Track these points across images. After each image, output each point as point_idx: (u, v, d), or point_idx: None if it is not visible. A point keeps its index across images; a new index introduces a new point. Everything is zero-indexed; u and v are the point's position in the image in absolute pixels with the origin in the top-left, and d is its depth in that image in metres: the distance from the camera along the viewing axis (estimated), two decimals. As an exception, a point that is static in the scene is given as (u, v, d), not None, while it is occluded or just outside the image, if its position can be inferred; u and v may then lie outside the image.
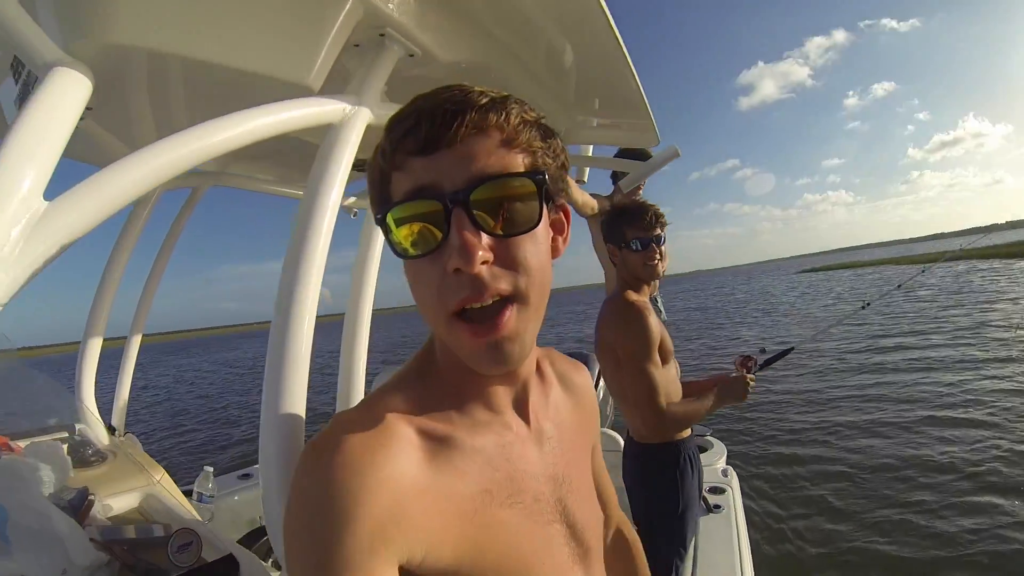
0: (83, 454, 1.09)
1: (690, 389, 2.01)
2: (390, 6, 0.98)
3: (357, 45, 1.06)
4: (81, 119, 0.97)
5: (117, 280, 1.54)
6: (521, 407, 0.61)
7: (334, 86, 0.96)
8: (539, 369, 0.67)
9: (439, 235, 0.48)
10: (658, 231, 1.75)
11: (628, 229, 1.75)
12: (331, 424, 0.50)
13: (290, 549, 0.45)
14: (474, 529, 0.50)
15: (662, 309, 2.12)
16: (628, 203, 1.91)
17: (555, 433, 0.64)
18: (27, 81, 0.68)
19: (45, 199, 0.58)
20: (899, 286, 3.22)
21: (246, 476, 2.61)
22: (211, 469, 1.65)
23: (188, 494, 1.56)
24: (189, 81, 0.95)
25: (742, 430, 6.10)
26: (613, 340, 1.75)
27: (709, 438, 3.08)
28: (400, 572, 0.46)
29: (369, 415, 0.50)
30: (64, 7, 0.72)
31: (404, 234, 0.50)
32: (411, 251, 0.50)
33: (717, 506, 2.30)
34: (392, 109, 0.89)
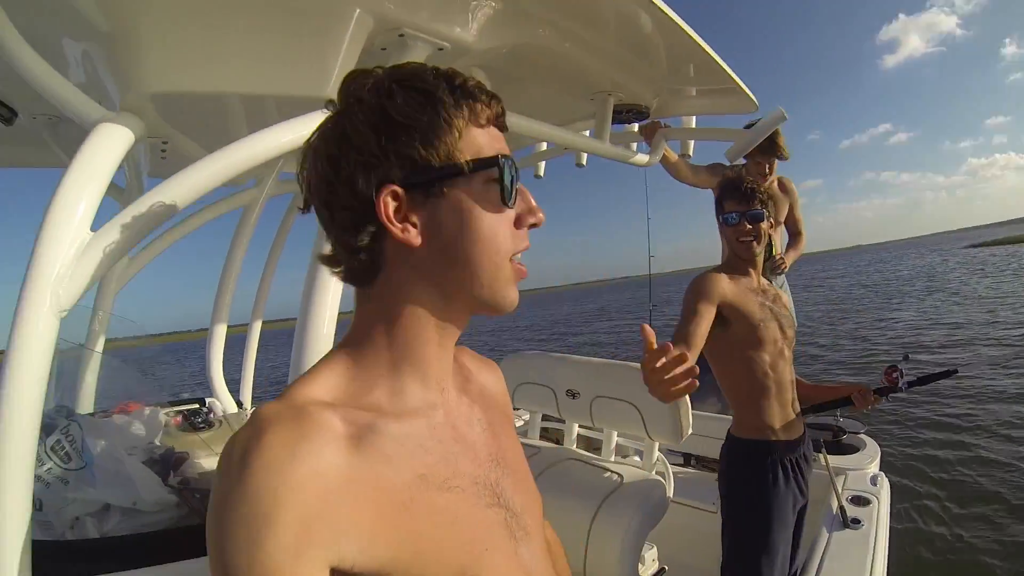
0: (193, 421, 1.38)
1: (812, 392, 1.89)
2: (398, 9, 1.04)
3: (384, 48, 1.14)
4: (163, 151, 1.20)
5: (235, 275, 1.86)
6: (448, 390, 0.63)
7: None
8: (456, 360, 0.69)
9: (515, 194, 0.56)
10: (755, 205, 1.67)
11: (726, 201, 1.71)
12: (250, 419, 0.49)
13: (211, 556, 0.44)
14: (410, 518, 0.50)
15: (783, 294, 1.95)
16: (732, 175, 1.82)
17: (484, 416, 0.66)
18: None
19: (91, 230, 0.76)
20: None
21: None
22: None
23: None
24: (216, 106, 1.11)
25: (902, 430, 5.24)
26: None
27: (862, 436, 2.68)
28: (332, 574, 0.45)
29: (289, 406, 0.50)
30: (106, 70, 0.91)
31: (509, 184, 0.56)
32: (508, 201, 0.56)
33: (856, 520, 1.99)
34: None
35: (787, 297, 1.94)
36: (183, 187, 0.82)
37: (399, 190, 0.52)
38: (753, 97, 1.73)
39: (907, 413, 5.59)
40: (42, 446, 0.83)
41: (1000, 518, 3.50)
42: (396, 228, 0.53)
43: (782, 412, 1.70)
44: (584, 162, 2.52)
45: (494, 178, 0.55)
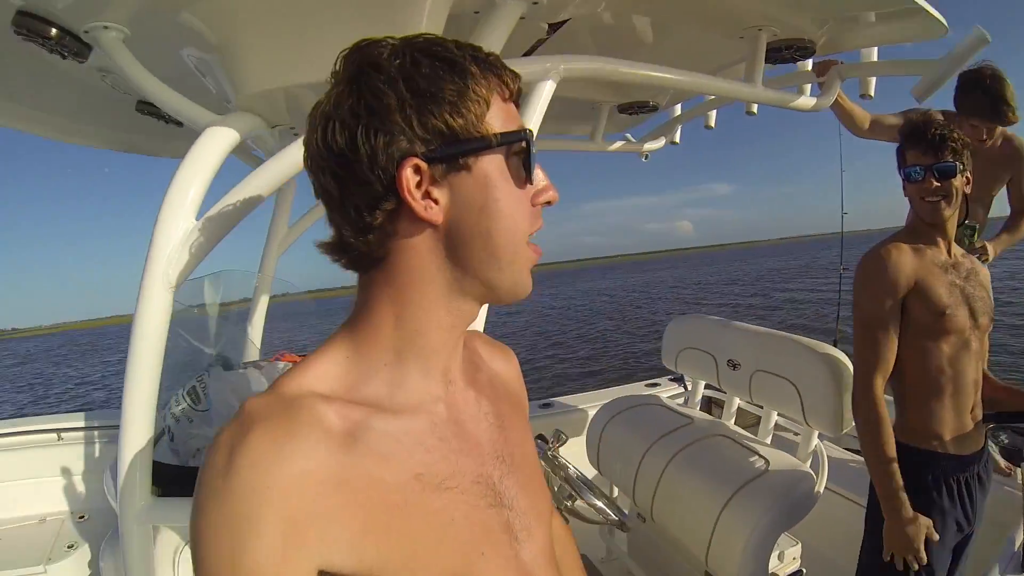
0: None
1: (1003, 395, 1.59)
2: None
3: (477, 12, 1.10)
4: (296, 135, 1.36)
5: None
6: (455, 382, 0.60)
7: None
8: (466, 347, 0.65)
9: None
10: (946, 157, 1.40)
11: (908, 152, 1.48)
12: (238, 413, 0.48)
13: (195, 555, 0.44)
14: (404, 521, 0.49)
15: (982, 268, 1.54)
16: (917, 117, 1.56)
17: (492, 409, 0.64)
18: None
19: (196, 219, 0.92)
20: None
21: None
22: None
23: None
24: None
25: None
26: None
27: None
28: None
29: (279, 399, 0.49)
30: (222, 76, 1.06)
31: (532, 160, 0.54)
32: (531, 177, 0.55)
33: None
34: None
35: (986, 272, 1.54)
36: (267, 175, 0.93)
37: (422, 164, 0.49)
38: (940, 17, 1.36)
39: None
40: (183, 389, 1.06)
41: None
42: (419, 204, 0.50)
43: (957, 419, 1.45)
44: (754, 110, 2.21)
45: (517, 152, 0.53)
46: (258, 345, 1.57)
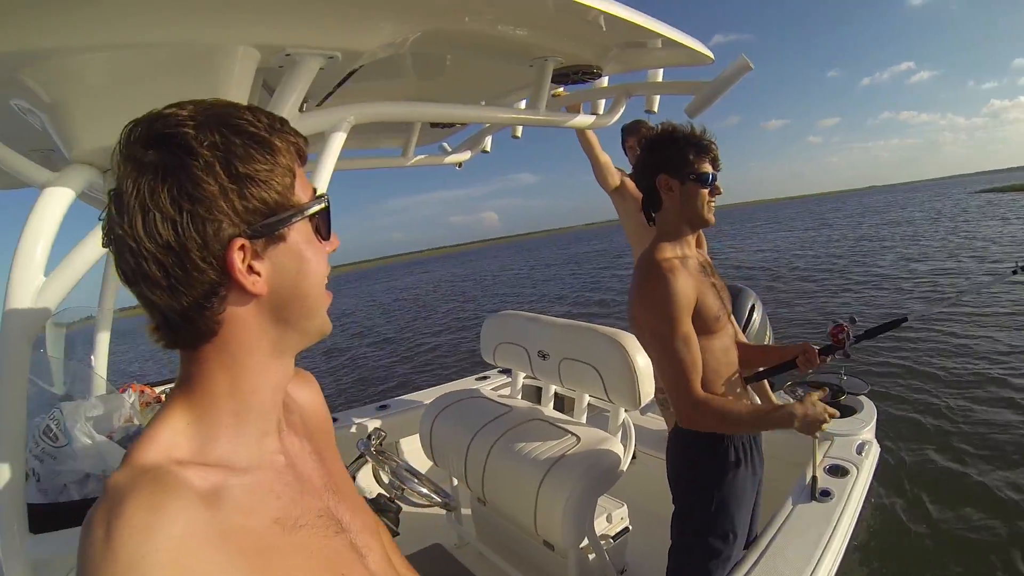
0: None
1: (757, 355, 1.89)
2: (280, 34, 1.21)
3: (281, 66, 1.31)
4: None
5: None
6: (283, 430, 0.70)
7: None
8: None
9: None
10: (719, 165, 1.66)
11: (699, 160, 1.64)
12: (104, 491, 0.52)
13: None
14: (277, 562, 0.57)
15: (707, 259, 1.90)
16: (689, 131, 1.75)
17: (310, 446, 0.75)
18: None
19: (44, 276, 1.10)
20: None
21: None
22: None
23: None
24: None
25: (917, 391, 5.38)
26: (635, 311, 1.67)
27: (862, 398, 2.71)
28: None
29: (142, 470, 0.54)
30: (56, 132, 1.19)
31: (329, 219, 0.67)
32: (328, 235, 0.66)
33: (826, 493, 1.98)
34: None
35: (709, 260, 1.90)
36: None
37: (246, 242, 0.56)
38: (703, 51, 1.75)
39: (931, 373, 5.90)
40: (37, 431, 1.23)
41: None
42: (247, 281, 0.57)
43: (731, 392, 1.71)
44: (519, 134, 2.63)
45: (318, 214, 0.64)
46: (104, 377, 1.69)
